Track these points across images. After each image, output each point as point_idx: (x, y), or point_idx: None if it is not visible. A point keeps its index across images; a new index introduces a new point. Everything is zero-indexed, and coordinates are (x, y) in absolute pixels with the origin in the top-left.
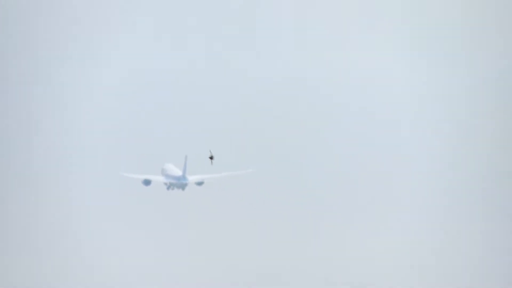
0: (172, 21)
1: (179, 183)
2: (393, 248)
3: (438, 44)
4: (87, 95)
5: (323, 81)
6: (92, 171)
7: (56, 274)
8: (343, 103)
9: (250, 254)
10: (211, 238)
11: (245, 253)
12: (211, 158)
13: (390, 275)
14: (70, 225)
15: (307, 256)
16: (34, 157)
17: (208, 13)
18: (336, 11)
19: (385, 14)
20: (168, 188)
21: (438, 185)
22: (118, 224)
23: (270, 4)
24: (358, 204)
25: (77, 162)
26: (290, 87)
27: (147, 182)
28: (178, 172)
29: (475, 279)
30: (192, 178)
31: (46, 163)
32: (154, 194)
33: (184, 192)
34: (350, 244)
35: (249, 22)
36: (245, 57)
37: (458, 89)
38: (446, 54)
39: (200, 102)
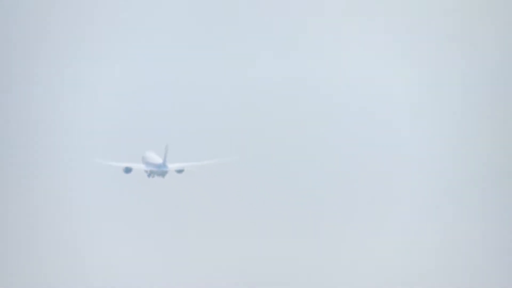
0: (173, 21)
1: (159, 171)
2: (392, 248)
3: (438, 44)
4: (87, 95)
5: (323, 81)
6: (89, 167)
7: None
8: (343, 103)
9: (234, 245)
10: (190, 224)
11: (229, 243)
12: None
13: (390, 275)
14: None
15: (301, 253)
16: (34, 157)
17: (208, 13)
18: (336, 11)
19: (385, 14)
20: (149, 176)
21: (438, 185)
22: (99, 211)
23: (270, 4)
24: (358, 204)
25: (76, 161)
26: (290, 87)
27: (128, 170)
28: (159, 160)
29: (475, 279)
30: (172, 166)
31: (46, 163)
32: (135, 181)
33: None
34: (350, 244)
35: (249, 22)
36: (245, 58)
37: (458, 89)
38: (446, 54)
39: (200, 102)
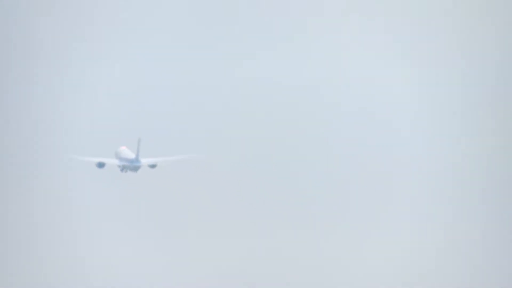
0: (173, 21)
1: (132, 166)
2: (393, 248)
3: (438, 44)
4: (87, 95)
5: (323, 81)
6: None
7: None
8: (343, 103)
9: (224, 242)
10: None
11: (218, 241)
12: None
13: (390, 275)
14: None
15: (299, 253)
16: (33, 157)
17: (209, 13)
18: (336, 11)
19: (385, 14)
20: (122, 170)
21: (438, 185)
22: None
23: (270, 5)
24: (358, 204)
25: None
26: (290, 87)
27: (101, 165)
28: (132, 155)
29: (475, 279)
30: (145, 161)
31: (46, 163)
32: (109, 175)
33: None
34: (350, 244)
35: (249, 23)
36: (245, 58)
37: (458, 89)
38: (446, 54)
39: (200, 102)
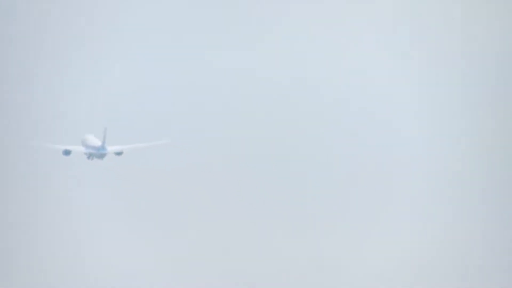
0: (173, 21)
1: (98, 153)
2: (393, 248)
3: (438, 44)
4: (87, 96)
5: (323, 81)
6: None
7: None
8: (343, 103)
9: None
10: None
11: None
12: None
13: (390, 275)
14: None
15: (297, 253)
16: (34, 157)
17: (209, 14)
18: (336, 11)
19: (386, 14)
20: (88, 158)
21: (438, 185)
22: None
23: (270, 5)
24: (358, 204)
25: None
26: (290, 87)
27: (67, 152)
28: (98, 143)
29: (475, 279)
30: (111, 149)
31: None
32: (75, 162)
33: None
34: (349, 245)
35: (249, 23)
36: (245, 58)
37: (458, 89)
38: (446, 54)
39: (200, 102)
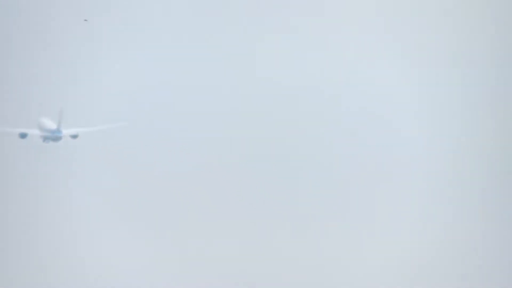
0: (174, 21)
1: (53, 136)
2: (392, 248)
3: (438, 44)
4: (87, 96)
5: (323, 80)
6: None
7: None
8: (343, 103)
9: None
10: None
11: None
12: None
13: (389, 275)
14: None
15: (293, 254)
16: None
17: (209, 14)
18: (336, 11)
19: (386, 14)
20: (44, 141)
21: (438, 185)
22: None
23: (270, 5)
24: (357, 203)
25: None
26: (290, 86)
27: (23, 135)
28: (53, 126)
29: (475, 279)
30: (66, 132)
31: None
32: (31, 145)
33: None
34: (349, 244)
35: (249, 23)
36: (245, 58)
37: (458, 89)
38: (446, 54)
39: (200, 102)
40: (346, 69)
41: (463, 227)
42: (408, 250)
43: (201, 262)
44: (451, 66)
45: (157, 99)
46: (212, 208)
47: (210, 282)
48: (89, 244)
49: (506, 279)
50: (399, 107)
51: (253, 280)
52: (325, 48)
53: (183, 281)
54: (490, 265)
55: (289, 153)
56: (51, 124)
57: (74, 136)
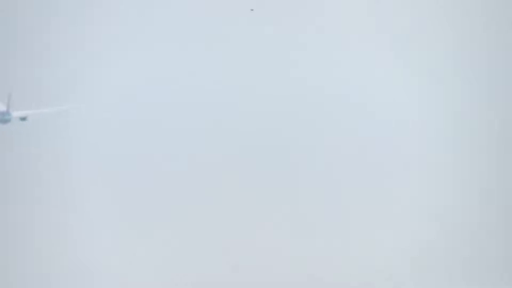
0: (175, 22)
1: (3, 119)
2: (392, 247)
3: (439, 43)
4: (87, 96)
5: (323, 80)
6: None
7: None
8: (343, 103)
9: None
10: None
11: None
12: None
13: (388, 276)
14: None
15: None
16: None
17: (209, 14)
18: (336, 11)
19: (387, 13)
20: None
21: (438, 185)
22: None
23: (271, 5)
24: (357, 203)
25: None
26: (290, 86)
27: None
28: (3, 108)
29: (475, 279)
30: (16, 114)
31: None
32: None
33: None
34: (348, 244)
35: (249, 23)
36: (245, 58)
37: (458, 88)
38: (447, 54)
39: (200, 102)
40: (345, 68)
41: (463, 227)
42: (408, 249)
43: (199, 260)
44: (452, 66)
45: (149, 93)
46: (212, 206)
47: (208, 279)
48: (78, 238)
49: (506, 279)
50: (399, 106)
51: (252, 279)
52: (325, 48)
53: (179, 277)
54: (490, 265)
55: (287, 152)
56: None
57: (23, 119)
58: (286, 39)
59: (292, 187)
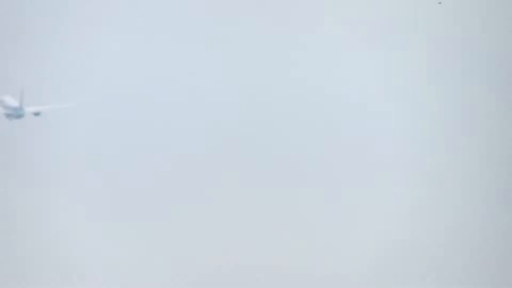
0: (175, 21)
1: (16, 114)
2: (392, 247)
3: (439, 43)
4: (87, 96)
5: (323, 80)
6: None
7: None
8: (343, 103)
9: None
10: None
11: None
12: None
13: (387, 276)
14: None
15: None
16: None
17: (210, 14)
18: (336, 12)
19: (386, 13)
20: (7, 117)
21: (438, 185)
22: None
23: (271, 5)
24: (357, 203)
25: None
26: (290, 86)
27: None
28: (16, 103)
29: (475, 279)
30: (29, 109)
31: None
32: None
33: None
34: (348, 244)
35: (249, 23)
36: (245, 58)
37: (458, 89)
38: (446, 54)
39: (200, 102)
40: (344, 68)
41: (463, 226)
42: (408, 249)
43: (199, 260)
44: (451, 66)
45: (148, 92)
46: (212, 206)
47: (208, 279)
48: (72, 236)
49: (506, 279)
50: (399, 107)
51: (250, 277)
52: (325, 47)
53: (178, 277)
54: (490, 265)
55: (288, 152)
56: (13, 102)
57: (37, 114)
58: (286, 39)
59: (292, 187)
